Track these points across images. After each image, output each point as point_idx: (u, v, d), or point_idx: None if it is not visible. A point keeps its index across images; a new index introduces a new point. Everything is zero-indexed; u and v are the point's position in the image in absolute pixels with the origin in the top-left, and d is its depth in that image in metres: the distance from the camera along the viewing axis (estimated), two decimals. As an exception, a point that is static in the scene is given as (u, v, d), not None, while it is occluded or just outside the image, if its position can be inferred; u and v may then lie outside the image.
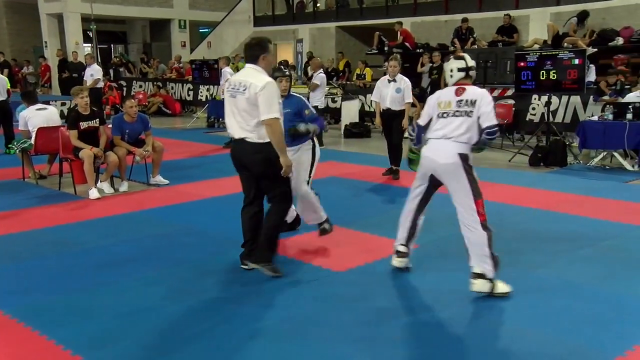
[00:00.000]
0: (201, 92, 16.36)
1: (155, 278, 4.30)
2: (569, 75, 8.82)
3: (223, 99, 11.53)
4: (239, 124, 4.15)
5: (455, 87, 3.99)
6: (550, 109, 9.41)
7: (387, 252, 4.79)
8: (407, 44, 14.93)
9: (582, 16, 12.23)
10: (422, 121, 4.14)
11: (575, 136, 9.10)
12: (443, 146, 3.88)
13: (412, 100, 7.82)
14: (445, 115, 3.93)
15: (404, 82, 7.67)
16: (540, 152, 8.77)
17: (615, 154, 8.49)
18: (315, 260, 4.63)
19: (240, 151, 4.20)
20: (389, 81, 7.68)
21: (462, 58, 4.07)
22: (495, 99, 11.20)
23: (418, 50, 14.42)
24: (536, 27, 13.63)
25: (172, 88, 17.43)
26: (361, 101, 13.20)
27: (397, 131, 7.79)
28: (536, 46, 12.34)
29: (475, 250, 3.83)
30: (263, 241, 4.26)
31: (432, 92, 13.47)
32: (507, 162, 8.86)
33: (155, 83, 17.68)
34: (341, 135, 12.31)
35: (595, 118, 8.73)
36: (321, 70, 11.07)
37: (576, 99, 10.04)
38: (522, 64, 9.32)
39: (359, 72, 14.91)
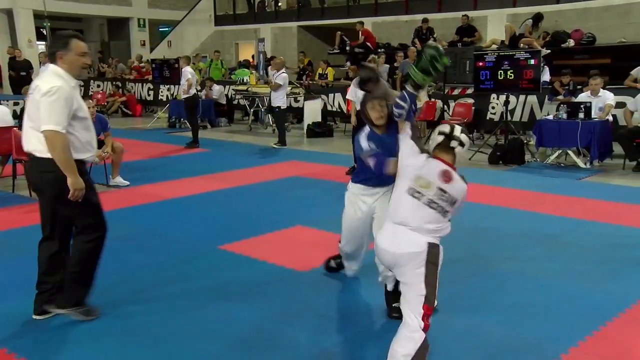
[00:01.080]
0: (162, 92, 16.12)
1: (115, 282, 4.21)
2: (526, 75, 9.04)
3: (184, 99, 11.43)
4: (27, 135, 3.42)
5: (443, 168, 2.91)
6: (509, 108, 9.63)
7: (350, 250, 4.82)
8: (368, 43, 15.05)
9: (537, 18, 12.59)
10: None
11: (532, 135, 9.34)
12: (404, 234, 2.92)
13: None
14: (417, 196, 2.90)
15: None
16: (499, 150, 8.96)
17: (570, 152, 8.75)
18: (279, 260, 4.62)
19: (29, 169, 3.49)
20: None
21: (452, 127, 2.99)
22: (455, 97, 11.43)
23: (379, 50, 14.56)
24: (494, 28, 13.94)
25: (132, 88, 17.12)
26: (324, 101, 13.22)
27: None
28: (494, 46, 12.61)
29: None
30: (69, 281, 3.51)
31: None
32: (467, 161, 9.01)
33: (114, 83, 17.33)
34: (304, 135, 12.32)
35: (551, 117, 8.97)
36: (283, 70, 11.05)
37: (533, 99, 10.29)
38: (480, 63, 9.50)
39: (321, 72, 14.94)
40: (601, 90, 8.62)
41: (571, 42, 12.16)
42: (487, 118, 10.89)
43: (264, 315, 3.65)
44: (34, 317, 3.57)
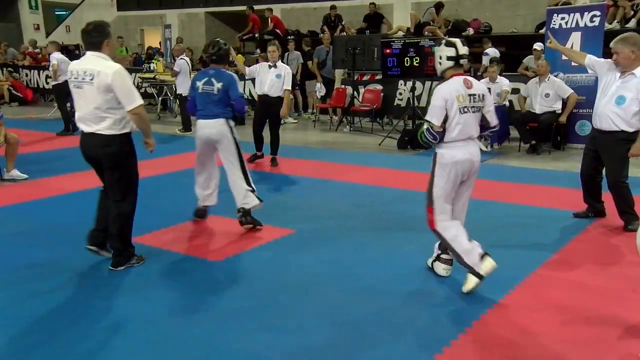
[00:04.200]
0: (61, 79, 15.21)
1: (10, 280, 3.97)
2: (430, 62, 9.37)
3: (52, 86, 10.72)
4: (88, 116, 3.92)
5: (461, 77, 3.73)
6: (415, 94, 9.96)
7: (264, 238, 4.84)
8: (278, 30, 14.99)
9: (438, 7, 13.12)
10: (438, 121, 3.66)
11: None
12: (473, 146, 3.81)
13: (290, 87, 7.84)
14: (465, 110, 3.68)
15: (285, 69, 7.66)
16: (407, 135, 9.26)
17: (472, 135, 9.20)
18: (192, 251, 4.55)
19: (90, 144, 3.99)
20: (270, 67, 7.63)
21: (453, 45, 3.76)
22: (365, 83, 11.68)
23: (289, 37, 14.54)
24: (399, 16, 14.35)
25: (27, 75, 16.03)
26: (234, 88, 13.03)
27: (275, 120, 7.74)
28: (400, 33, 12.98)
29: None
30: (120, 247, 4.13)
31: (302, 80, 13.74)
32: (377, 146, 9.27)
33: (6, 69, 16.14)
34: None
35: (454, 102, 9.37)
36: (182, 56, 10.85)
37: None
38: (387, 50, 9.74)
39: (231, 59, 14.70)
40: (498, 77, 9.13)
41: (470, 31, 12.77)
42: (395, 104, 11.23)
43: (173, 306, 3.58)
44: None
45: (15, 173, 6.99)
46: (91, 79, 3.81)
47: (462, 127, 3.67)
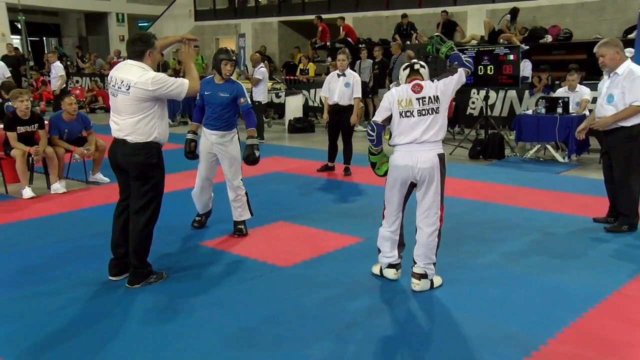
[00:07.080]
0: (141, 87, 15.94)
1: (94, 278, 4.17)
2: (505, 70, 9.12)
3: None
4: (119, 124, 3.91)
5: (410, 83, 3.86)
6: (489, 103, 9.72)
7: (332, 246, 4.84)
8: (349, 39, 15.05)
9: (514, 13, 12.73)
10: (379, 118, 3.89)
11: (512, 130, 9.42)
12: (419, 151, 3.78)
13: (361, 96, 7.78)
14: (407, 114, 3.78)
15: (354, 77, 7.59)
16: (479, 145, 9.05)
17: (548, 146, 8.86)
18: (261, 256, 4.62)
19: (119, 152, 3.93)
20: (339, 75, 7.62)
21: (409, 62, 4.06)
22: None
23: (360, 46, 14.58)
24: (473, 24, 14.04)
25: (110, 83, 16.92)
26: (305, 96, 13.21)
27: (347, 129, 7.73)
28: (473, 42, 12.71)
29: (424, 252, 3.90)
30: (137, 262, 4.00)
31: (373, 88, 13.70)
32: (448, 155, 9.08)
33: (92, 78, 17.11)
34: (285, 130, 12.30)
35: (530, 112, 9.07)
36: (261, 65, 11.04)
37: (512, 94, 10.40)
38: (460, 59, 9.53)
39: (302, 67, 14.92)
40: (578, 85, 8.74)
41: (549, 38, 12.32)
42: (467, 113, 10.98)
43: (245, 312, 3.64)
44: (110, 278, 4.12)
45: (99, 176, 7.38)
46: (127, 89, 3.78)
47: (404, 131, 3.81)
